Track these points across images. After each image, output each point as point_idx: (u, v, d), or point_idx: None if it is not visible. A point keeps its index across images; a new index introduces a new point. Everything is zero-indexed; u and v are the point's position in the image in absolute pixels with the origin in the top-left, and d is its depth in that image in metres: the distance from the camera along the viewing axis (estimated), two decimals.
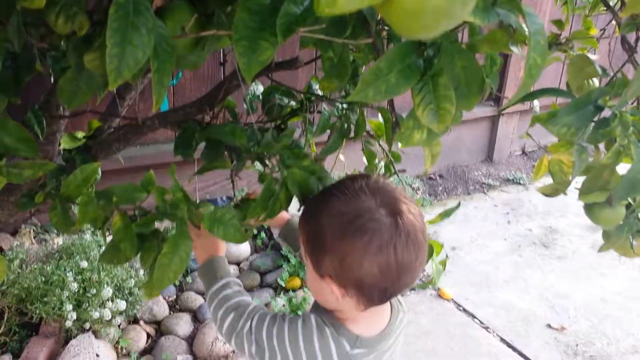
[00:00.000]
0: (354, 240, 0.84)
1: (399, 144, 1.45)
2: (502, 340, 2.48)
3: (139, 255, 1.03)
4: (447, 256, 1.29)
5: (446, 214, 1.28)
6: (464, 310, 2.67)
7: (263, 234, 2.88)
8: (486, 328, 2.55)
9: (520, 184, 4.11)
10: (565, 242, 3.34)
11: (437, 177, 4.10)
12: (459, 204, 1.27)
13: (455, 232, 3.32)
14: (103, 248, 2.23)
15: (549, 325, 2.59)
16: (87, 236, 2.27)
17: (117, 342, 2.16)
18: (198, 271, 1.13)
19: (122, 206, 0.99)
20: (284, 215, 1.26)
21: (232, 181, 1.35)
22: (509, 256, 3.17)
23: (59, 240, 2.26)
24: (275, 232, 2.83)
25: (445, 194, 3.90)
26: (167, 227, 1.03)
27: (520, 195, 3.95)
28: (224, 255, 1.13)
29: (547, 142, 1.33)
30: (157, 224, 1.05)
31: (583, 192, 1.12)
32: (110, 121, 1.42)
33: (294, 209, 1.05)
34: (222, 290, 1.04)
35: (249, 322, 0.97)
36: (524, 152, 4.61)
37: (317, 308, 0.99)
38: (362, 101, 0.69)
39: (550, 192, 1.04)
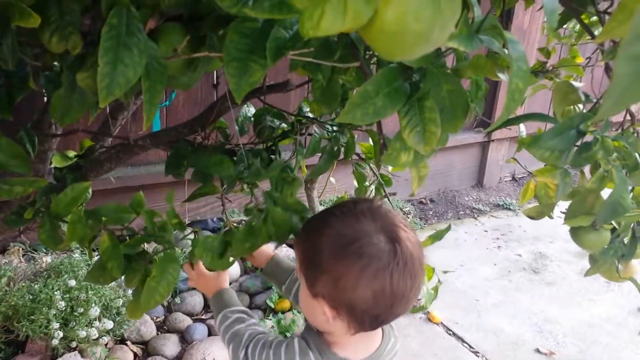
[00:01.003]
0: (351, 263, 0.85)
1: (390, 168, 1.47)
2: None
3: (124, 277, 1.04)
4: (439, 281, 1.29)
5: (436, 236, 1.29)
6: (453, 334, 2.67)
7: None
8: (475, 352, 2.55)
9: (510, 209, 4.14)
10: (554, 268, 3.35)
11: (428, 202, 4.12)
12: (449, 227, 1.28)
13: (445, 256, 3.33)
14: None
15: (537, 350, 2.58)
16: (76, 255, 2.26)
17: None
18: (210, 302, 1.19)
19: (110, 226, 1.00)
20: (268, 252, 1.27)
21: (223, 204, 1.35)
22: (498, 281, 3.17)
23: (47, 259, 2.25)
24: None
25: (435, 218, 3.92)
26: (156, 248, 1.04)
27: (510, 220, 3.97)
28: (226, 286, 1.18)
29: (534, 168, 1.35)
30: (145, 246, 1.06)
31: (569, 216, 1.14)
32: (102, 141, 1.43)
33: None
34: (221, 324, 1.09)
35: (242, 352, 1.01)
36: (514, 178, 4.65)
37: (308, 329, 1.00)
38: (349, 122, 0.70)
39: (536, 214, 1.06)
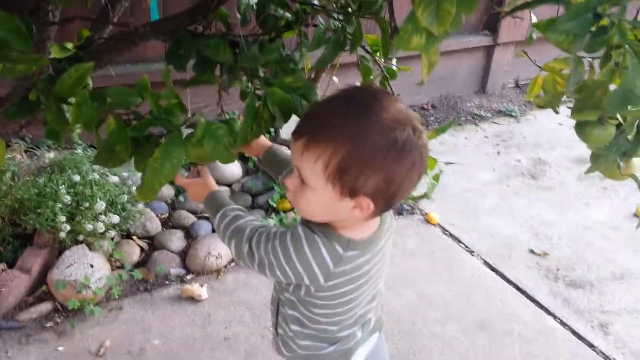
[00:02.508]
0: (404, 161, 0.89)
1: (394, 63, 1.45)
2: (486, 263, 2.56)
3: (133, 160, 1.05)
4: (440, 170, 1.30)
5: (441, 129, 1.29)
6: (450, 234, 2.74)
7: (255, 157, 2.88)
8: (470, 252, 2.63)
9: (512, 116, 4.11)
10: (552, 174, 3.38)
11: (430, 107, 4.09)
12: (452, 120, 1.28)
13: (444, 161, 3.35)
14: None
15: (531, 251, 2.66)
16: (79, 151, 2.27)
17: (111, 255, 2.20)
18: (204, 207, 1.20)
19: (116, 110, 0.99)
20: (265, 142, 1.27)
21: (220, 96, 1.33)
22: (496, 185, 3.22)
23: (50, 155, 2.26)
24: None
25: (436, 124, 3.90)
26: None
27: (512, 127, 3.97)
28: (216, 189, 1.19)
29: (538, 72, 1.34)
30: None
31: (575, 110, 1.13)
32: (100, 32, 1.40)
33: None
34: (221, 222, 1.10)
35: (246, 246, 1.03)
36: (517, 85, 4.58)
37: (307, 221, 1.02)
38: None
39: (544, 103, 1.05)
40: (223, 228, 1.09)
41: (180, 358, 1.96)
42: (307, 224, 1.00)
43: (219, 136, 0.97)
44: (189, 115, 1.04)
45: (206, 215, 2.62)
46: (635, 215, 2.98)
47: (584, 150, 3.75)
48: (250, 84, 1.16)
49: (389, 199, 0.93)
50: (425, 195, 1.18)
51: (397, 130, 0.87)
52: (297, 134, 0.92)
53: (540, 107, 1.07)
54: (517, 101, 4.32)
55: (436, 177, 1.18)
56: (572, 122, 3.62)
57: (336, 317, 1.08)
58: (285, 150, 1.28)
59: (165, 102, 0.99)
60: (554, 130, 3.91)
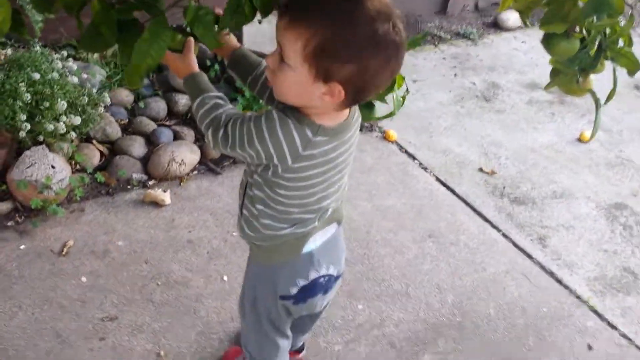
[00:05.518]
0: (379, 55, 0.93)
1: None
2: (438, 179, 2.68)
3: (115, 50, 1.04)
4: (407, 90, 1.34)
5: (412, 42, 1.32)
6: (406, 152, 2.84)
7: (217, 66, 2.85)
8: (424, 168, 2.74)
9: (470, 38, 4.15)
10: (505, 97, 3.49)
11: None
12: (425, 33, 1.31)
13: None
14: (55, 64, 2.17)
15: (480, 169, 2.80)
16: (37, 48, 2.18)
17: (72, 157, 2.18)
18: (183, 85, 1.18)
19: None
20: (234, 43, 1.25)
21: None
22: (451, 106, 3.30)
23: (8, 51, 2.16)
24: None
25: None
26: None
27: (469, 49, 4.02)
28: (196, 70, 1.16)
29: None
30: None
31: (544, 22, 1.19)
32: None
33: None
34: (199, 109, 1.12)
35: (222, 130, 1.07)
36: (476, 8, 4.60)
37: (283, 106, 1.06)
38: None
39: (523, 8, 1.10)
40: (201, 115, 1.12)
41: (145, 259, 2.01)
42: (281, 109, 1.05)
43: (207, 22, 0.97)
44: None
45: (166, 123, 2.61)
46: (579, 140, 3.15)
47: (535, 75, 3.88)
48: None
49: (360, 91, 0.97)
50: (391, 114, 1.23)
51: (377, 23, 0.90)
52: (283, 9, 0.94)
53: (519, 11, 1.12)
54: (475, 24, 4.35)
55: (404, 97, 1.23)
56: (527, 47, 3.72)
57: (299, 199, 1.13)
58: (252, 54, 1.27)
59: None
60: (510, 55, 3.99)
